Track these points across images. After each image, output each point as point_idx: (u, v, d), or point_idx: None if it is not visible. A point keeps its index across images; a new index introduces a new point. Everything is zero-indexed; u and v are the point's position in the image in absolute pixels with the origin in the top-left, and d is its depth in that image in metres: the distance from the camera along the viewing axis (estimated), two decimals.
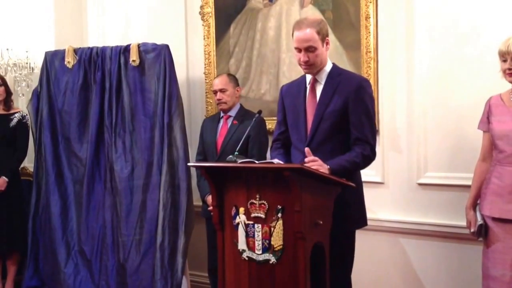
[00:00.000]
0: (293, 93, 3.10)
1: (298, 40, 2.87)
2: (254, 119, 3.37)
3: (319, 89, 2.97)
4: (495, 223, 2.97)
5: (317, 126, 2.91)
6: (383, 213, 3.84)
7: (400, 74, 3.78)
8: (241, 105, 4.22)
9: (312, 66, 2.91)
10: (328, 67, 2.98)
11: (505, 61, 2.91)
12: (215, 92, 4.13)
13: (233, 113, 4.14)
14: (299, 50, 2.89)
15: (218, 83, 4.12)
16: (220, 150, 4.03)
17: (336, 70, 2.99)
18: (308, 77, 3.02)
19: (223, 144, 4.03)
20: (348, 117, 2.89)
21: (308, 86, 3.02)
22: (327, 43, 2.92)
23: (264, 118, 4.08)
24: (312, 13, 4.03)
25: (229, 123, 4.11)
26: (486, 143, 3.10)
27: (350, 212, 2.94)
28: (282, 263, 2.66)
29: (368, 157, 2.91)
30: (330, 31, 3.81)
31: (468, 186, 3.21)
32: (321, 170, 2.68)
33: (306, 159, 2.75)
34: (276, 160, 2.83)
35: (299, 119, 3.00)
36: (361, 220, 3.06)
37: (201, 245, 4.36)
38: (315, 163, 2.71)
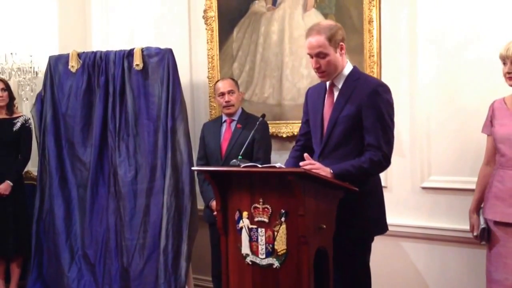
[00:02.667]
0: (315, 96, 3.08)
1: (309, 46, 2.85)
2: (258, 123, 3.37)
3: (336, 93, 2.94)
4: (497, 227, 2.97)
5: (331, 130, 2.88)
6: (387, 217, 3.82)
7: (403, 78, 3.78)
8: (242, 109, 4.22)
9: (324, 73, 2.87)
10: (346, 71, 2.92)
11: (505, 64, 2.92)
12: (222, 95, 4.10)
13: (236, 117, 4.14)
14: (311, 56, 2.87)
15: (227, 85, 4.11)
16: (225, 155, 4.02)
17: (354, 74, 2.93)
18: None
19: (228, 149, 4.02)
20: (362, 122, 2.84)
21: (327, 90, 3.00)
22: (341, 49, 2.87)
23: (268, 122, 4.09)
24: (315, 17, 4.04)
25: (233, 127, 4.11)
26: (489, 146, 3.10)
27: (364, 219, 2.89)
28: (285, 267, 2.66)
29: (379, 163, 2.83)
30: None
31: (472, 190, 3.21)
32: (322, 174, 2.67)
33: (301, 163, 2.74)
34: (278, 164, 2.83)
35: (317, 123, 2.98)
36: (377, 227, 3.00)
37: (205, 249, 4.36)
38: (313, 166, 2.69)
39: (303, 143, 3.17)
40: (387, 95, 2.89)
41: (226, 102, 4.08)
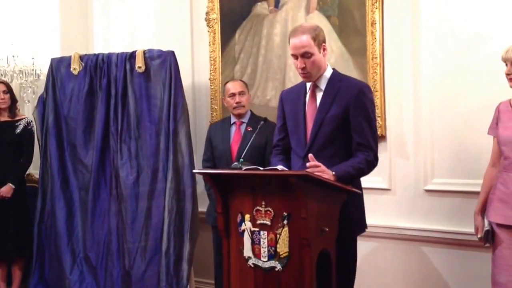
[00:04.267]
0: (293, 98, 3.09)
1: (294, 46, 2.88)
2: (259, 127, 3.36)
3: (319, 95, 2.96)
4: (500, 229, 2.97)
5: (317, 131, 2.90)
6: (390, 220, 3.81)
7: (406, 80, 3.77)
8: (251, 111, 4.20)
9: (309, 74, 2.91)
10: (328, 73, 2.97)
11: (507, 66, 2.93)
12: (232, 95, 4.09)
13: (245, 119, 4.13)
14: (295, 57, 2.90)
15: (237, 86, 4.11)
16: (236, 157, 3.99)
17: (336, 76, 2.97)
18: (309, 83, 3.01)
19: (240, 151, 3.99)
20: (348, 123, 2.87)
21: (308, 92, 3.01)
22: (324, 49, 2.91)
23: None
24: (318, 19, 4.03)
25: (243, 130, 4.09)
26: (495, 149, 3.09)
27: (350, 218, 2.90)
28: (288, 270, 2.65)
29: (372, 163, 2.89)
30: (335, 37, 3.86)
31: (476, 193, 3.20)
32: (324, 176, 2.66)
33: (307, 164, 2.74)
34: (280, 167, 2.82)
35: (299, 125, 2.99)
36: (359, 226, 3.04)
37: (207, 252, 4.35)
38: (318, 169, 2.69)
39: (282, 148, 3.18)
40: (371, 96, 2.98)
41: (236, 103, 4.07)
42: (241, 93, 4.08)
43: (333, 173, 2.73)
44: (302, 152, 2.92)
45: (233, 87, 4.12)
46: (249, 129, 4.05)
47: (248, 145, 3.35)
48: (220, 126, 4.26)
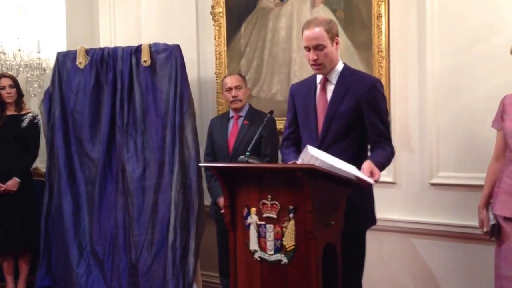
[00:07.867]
0: (303, 92, 3.10)
1: (307, 38, 2.89)
2: (265, 119, 3.36)
3: (330, 88, 2.96)
4: (507, 223, 2.96)
5: (328, 125, 2.91)
6: (395, 214, 3.82)
7: (412, 74, 3.77)
8: (250, 105, 4.22)
9: (321, 66, 2.91)
10: (339, 67, 2.98)
11: None
12: (229, 90, 4.11)
13: (243, 113, 4.14)
14: (308, 49, 2.91)
15: (234, 80, 4.12)
16: (232, 151, 4.02)
17: (348, 70, 2.99)
18: (319, 77, 3.02)
19: (235, 145, 4.02)
20: (360, 117, 2.89)
21: (318, 86, 3.02)
22: (336, 43, 2.93)
23: (275, 118, 4.08)
24: (324, 12, 4.03)
25: (240, 123, 4.11)
26: (499, 142, 3.08)
27: (361, 212, 2.93)
28: (294, 263, 2.66)
29: (393, 156, 2.96)
30: (341, 30, 3.83)
31: (481, 186, 3.19)
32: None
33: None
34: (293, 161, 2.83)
35: (310, 119, 3.00)
36: (369, 220, 3.05)
37: (212, 246, 4.36)
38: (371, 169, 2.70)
39: (293, 141, 3.19)
40: (383, 90, 3.01)
41: (233, 97, 4.08)
42: (237, 87, 4.09)
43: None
44: (315, 146, 2.92)
45: (230, 81, 4.14)
46: (246, 122, 4.06)
47: (242, 138, 3.34)
48: (219, 120, 4.28)
